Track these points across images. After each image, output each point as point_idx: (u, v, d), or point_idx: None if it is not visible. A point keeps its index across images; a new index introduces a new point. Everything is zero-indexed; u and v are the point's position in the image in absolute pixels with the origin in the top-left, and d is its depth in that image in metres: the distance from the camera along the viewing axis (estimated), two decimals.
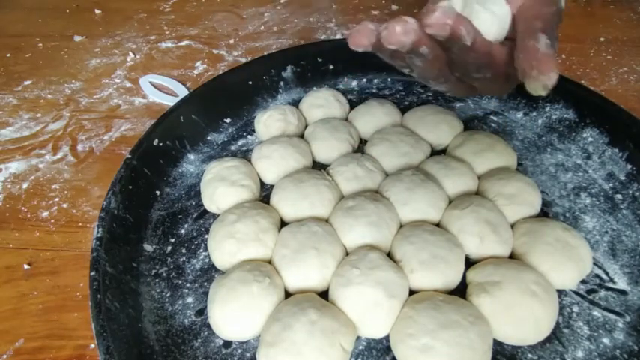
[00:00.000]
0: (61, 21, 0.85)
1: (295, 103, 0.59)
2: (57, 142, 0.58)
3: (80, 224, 0.48)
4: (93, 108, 0.64)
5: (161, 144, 0.49)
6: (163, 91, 0.65)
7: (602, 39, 0.73)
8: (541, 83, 0.27)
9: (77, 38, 0.79)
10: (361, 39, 0.28)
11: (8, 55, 0.76)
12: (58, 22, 0.84)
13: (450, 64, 0.31)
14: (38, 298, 0.41)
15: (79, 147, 0.58)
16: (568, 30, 0.76)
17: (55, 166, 0.55)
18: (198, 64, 0.72)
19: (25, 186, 0.52)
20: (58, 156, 0.56)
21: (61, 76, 0.70)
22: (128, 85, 0.68)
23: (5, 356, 0.37)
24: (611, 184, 0.48)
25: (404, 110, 0.57)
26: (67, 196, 0.51)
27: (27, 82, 0.69)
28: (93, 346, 0.38)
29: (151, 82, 0.67)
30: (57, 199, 0.51)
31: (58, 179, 0.53)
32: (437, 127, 0.52)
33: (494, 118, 0.57)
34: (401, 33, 0.26)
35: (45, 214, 0.49)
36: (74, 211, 0.49)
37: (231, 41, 0.77)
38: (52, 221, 0.48)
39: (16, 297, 0.42)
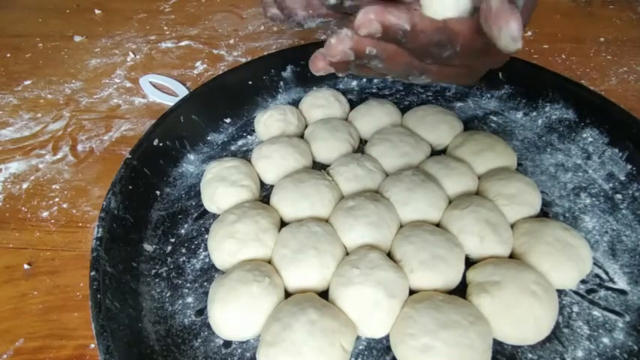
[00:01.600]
0: (61, 21, 0.85)
1: (295, 103, 0.59)
2: (57, 142, 0.58)
3: (80, 224, 0.48)
4: (93, 108, 0.64)
5: (161, 144, 0.49)
6: (163, 91, 0.65)
7: (602, 39, 0.73)
8: (507, 38, 0.26)
9: (77, 38, 0.79)
10: (317, 64, 0.30)
11: (8, 55, 0.76)
12: (58, 22, 0.84)
13: (415, 54, 0.30)
14: (38, 298, 0.41)
15: (79, 147, 0.58)
16: (568, 30, 0.76)
17: (55, 166, 0.55)
18: (198, 64, 0.72)
19: (25, 186, 0.52)
20: (58, 156, 0.56)
21: (61, 76, 0.70)
22: (128, 85, 0.68)
23: (5, 356, 0.37)
24: (611, 184, 0.48)
25: (404, 110, 0.57)
26: (67, 196, 0.51)
27: (27, 82, 0.69)
28: (93, 346, 0.37)
29: (151, 82, 0.67)
30: (57, 199, 0.51)
31: (58, 179, 0.53)
32: (437, 127, 0.52)
33: (494, 118, 0.57)
34: (337, 43, 0.27)
35: (45, 214, 0.49)
36: (74, 211, 0.49)
37: (231, 41, 0.77)
38: (52, 221, 0.48)
39: (16, 297, 0.42)
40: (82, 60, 0.74)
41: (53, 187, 0.52)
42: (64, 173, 0.54)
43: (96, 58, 0.74)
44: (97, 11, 0.87)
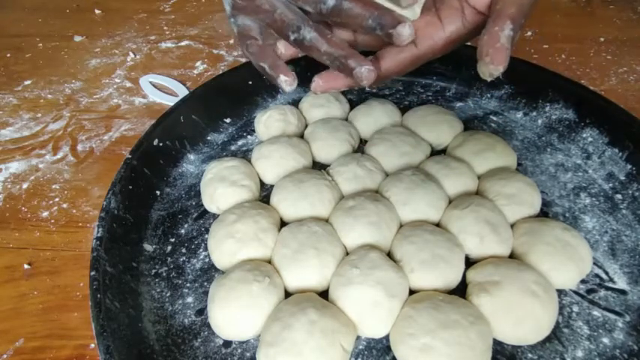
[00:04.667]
0: (61, 21, 0.85)
1: (295, 103, 0.59)
2: (57, 142, 0.58)
3: (80, 224, 0.48)
4: (93, 108, 0.64)
5: (161, 144, 0.49)
6: (163, 91, 0.65)
7: (602, 39, 0.74)
8: (489, 70, 0.30)
9: (77, 38, 0.79)
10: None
11: (8, 55, 0.76)
12: (58, 22, 0.84)
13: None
14: (38, 298, 0.41)
15: (79, 147, 0.58)
16: (568, 30, 0.76)
17: (55, 166, 0.55)
18: (198, 64, 0.72)
19: (25, 186, 0.52)
20: (58, 156, 0.56)
21: (61, 76, 0.70)
22: (128, 85, 0.68)
23: (5, 356, 0.37)
24: (611, 184, 0.48)
25: (404, 110, 0.57)
26: (67, 196, 0.51)
27: (27, 82, 0.69)
28: (93, 346, 0.38)
29: (151, 82, 0.67)
30: (57, 199, 0.51)
31: (58, 179, 0.53)
32: (437, 127, 0.52)
33: (494, 118, 0.57)
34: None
35: (45, 214, 0.49)
36: (74, 211, 0.49)
37: (231, 41, 0.77)
38: (52, 221, 0.48)
39: (16, 297, 0.42)
40: (82, 60, 0.74)
41: (53, 187, 0.52)
42: (64, 173, 0.54)
43: (96, 58, 0.74)
44: (97, 11, 0.87)
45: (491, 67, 0.30)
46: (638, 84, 0.64)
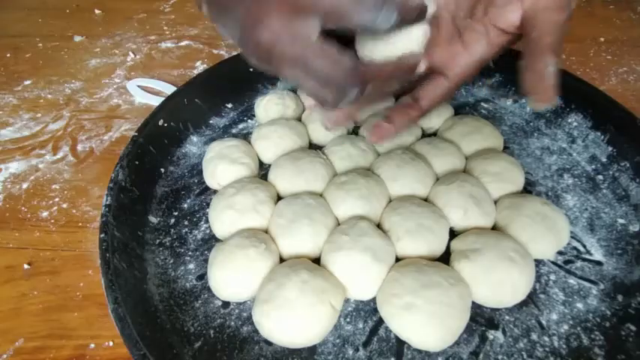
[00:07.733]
0: (61, 21, 0.85)
1: (295, 91, 0.61)
2: (57, 142, 0.58)
3: (80, 224, 0.48)
4: (93, 108, 0.64)
5: (165, 124, 0.52)
6: (153, 94, 0.65)
7: (602, 39, 0.74)
8: (540, 107, 0.33)
9: (77, 38, 0.79)
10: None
11: (8, 55, 0.75)
12: (58, 22, 0.84)
13: None
14: (38, 298, 0.41)
15: (79, 147, 0.58)
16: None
17: (55, 166, 0.55)
18: (198, 64, 0.72)
19: (25, 186, 0.52)
20: (58, 156, 0.56)
21: (61, 76, 0.70)
22: None
23: (5, 356, 0.37)
24: (593, 166, 0.50)
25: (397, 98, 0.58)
26: (67, 196, 0.51)
27: (27, 82, 0.69)
28: (93, 345, 0.38)
29: (139, 86, 0.66)
30: (57, 199, 0.51)
31: (58, 179, 0.53)
32: None
33: (485, 105, 0.59)
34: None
35: (45, 214, 0.49)
36: (74, 211, 0.49)
37: (231, 41, 0.77)
38: (52, 221, 0.48)
39: (16, 297, 0.42)
40: (82, 60, 0.74)
41: (53, 187, 0.52)
42: (64, 173, 0.54)
43: (96, 58, 0.74)
44: (97, 11, 0.87)
45: (544, 104, 0.32)
46: (638, 84, 0.64)
